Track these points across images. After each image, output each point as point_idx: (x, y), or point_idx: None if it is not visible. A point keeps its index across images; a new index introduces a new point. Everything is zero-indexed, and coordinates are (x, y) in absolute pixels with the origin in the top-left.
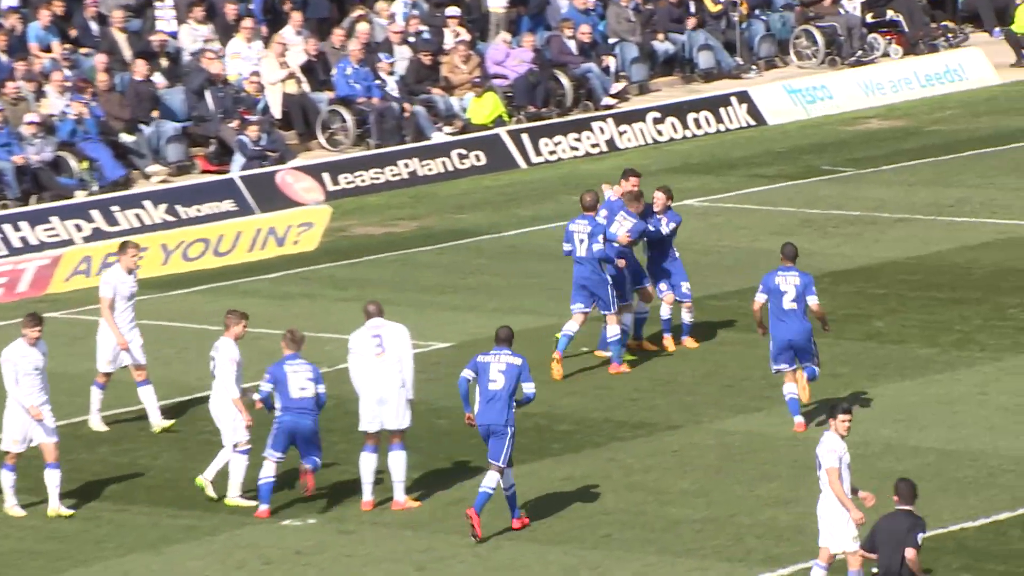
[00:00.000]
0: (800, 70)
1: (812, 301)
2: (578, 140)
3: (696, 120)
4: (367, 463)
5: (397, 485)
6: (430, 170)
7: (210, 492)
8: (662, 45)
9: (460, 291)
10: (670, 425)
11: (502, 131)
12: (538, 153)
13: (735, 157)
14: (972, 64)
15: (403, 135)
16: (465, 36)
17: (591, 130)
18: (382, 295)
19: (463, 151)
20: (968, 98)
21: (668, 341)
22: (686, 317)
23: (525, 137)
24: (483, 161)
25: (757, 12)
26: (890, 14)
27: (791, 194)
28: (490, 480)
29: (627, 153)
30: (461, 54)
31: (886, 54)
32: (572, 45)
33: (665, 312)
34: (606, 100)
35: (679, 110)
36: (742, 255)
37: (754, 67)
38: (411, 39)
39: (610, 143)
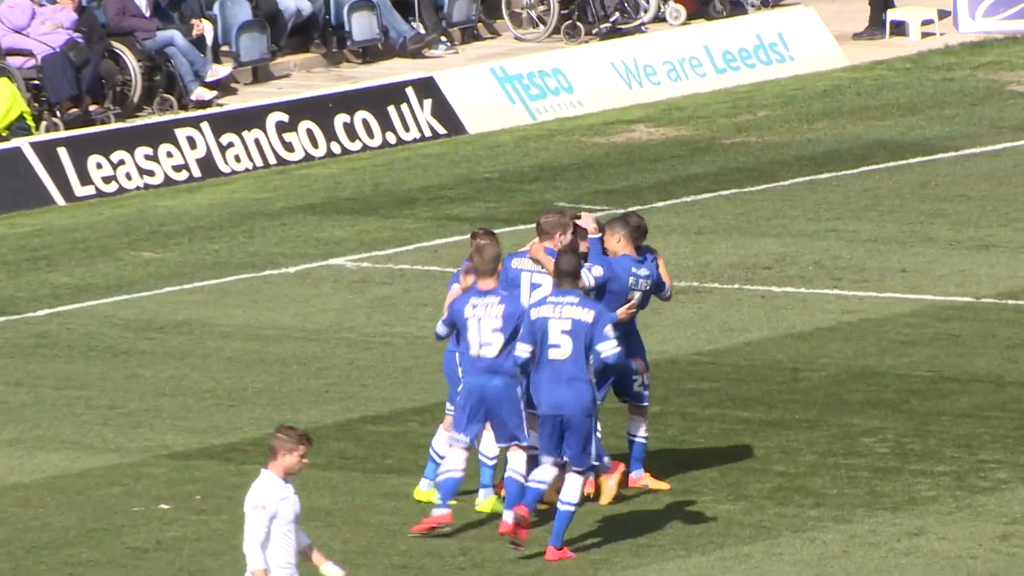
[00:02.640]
0: (520, 44)
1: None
2: (153, 159)
3: (349, 126)
4: None
5: None
6: None
7: None
8: (292, 2)
9: None
10: None
11: (24, 143)
12: (85, 181)
13: (414, 187)
14: (801, 34)
15: None
16: None
17: (175, 143)
18: None
19: None
20: (794, 90)
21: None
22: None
23: (64, 154)
24: None
25: None
26: None
27: (507, 247)
28: (545, 474)
29: (236, 180)
30: None
31: (660, 17)
32: (141, 1)
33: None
34: (199, 93)
35: (321, 110)
36: (425, 350)
37: (443, 39)
38: None
39: (206, 164)
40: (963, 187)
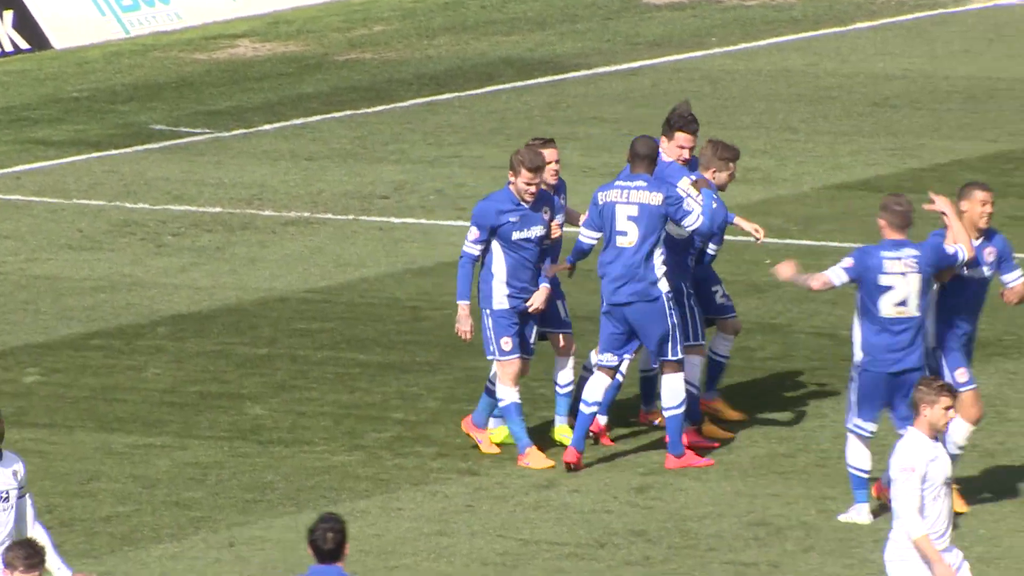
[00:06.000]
0: None
1: None
2: None
3: None
4: None
5: None
6: None
7: None
8: None
9: None
10: None
11: None
12: None
13: None
14: None
15: None
16: None
17: None
18: None
19: None
20: (413, 2)
21: (721, 407)
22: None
23: None
24: None
25: None
26: None
27: (97, 175)
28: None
29: None
30: None
31: None
32: None
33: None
34: None
35: None
36: (7, 287)
37: None
38: None
39: None
40: (596, 109)
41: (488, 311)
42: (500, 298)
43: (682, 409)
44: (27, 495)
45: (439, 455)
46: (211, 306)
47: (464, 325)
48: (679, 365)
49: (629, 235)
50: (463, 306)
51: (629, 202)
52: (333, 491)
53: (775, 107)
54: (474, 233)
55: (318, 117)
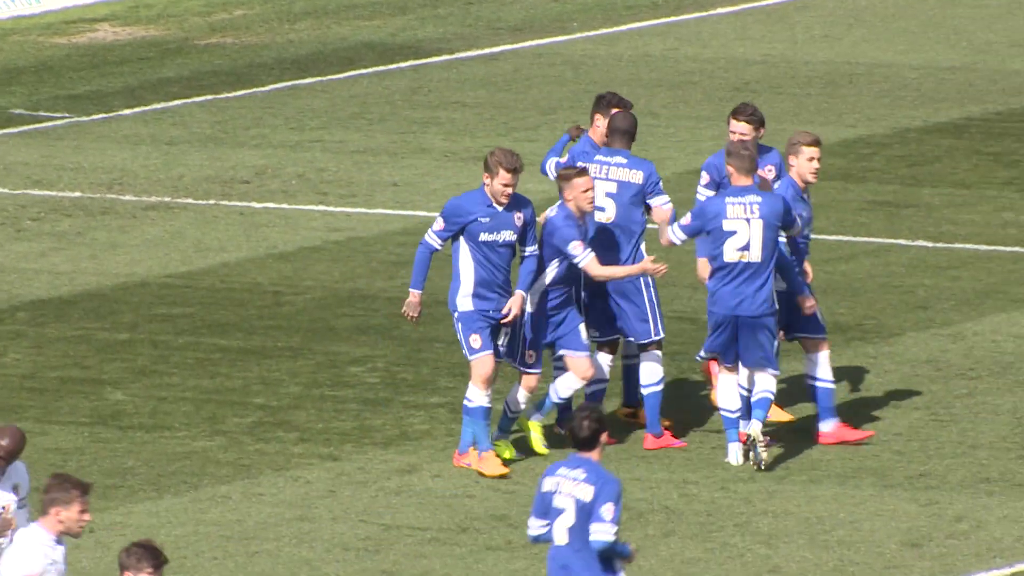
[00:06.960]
0: None
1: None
2: None
3: None
4: None
5: None
6: None
7: None
8: None
9: None
10: None
11: None
12: None
13: None
14: None
15: None
16: None
17: None
18: None
19: None
20: None
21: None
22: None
23: None
24: None
25: None
26: None
27: None
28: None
29: None
30: None
31: None
32: None
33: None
34: None
35: None
36: None
37: None
38: None
39: None
40: (458, 93)
41: (456, 314)
42: (465, 300)
43: (661, 387)
44: (25, 505)
45: (301, 440)
46: (71, 291)
47: (412, 311)
48: (659, 344)
49: (607, 211)
50: (414, 294)
51: (608, 179)
52: (194, 476)
53: (636, 92)
54: (439, 224)
55: (179, 102)
